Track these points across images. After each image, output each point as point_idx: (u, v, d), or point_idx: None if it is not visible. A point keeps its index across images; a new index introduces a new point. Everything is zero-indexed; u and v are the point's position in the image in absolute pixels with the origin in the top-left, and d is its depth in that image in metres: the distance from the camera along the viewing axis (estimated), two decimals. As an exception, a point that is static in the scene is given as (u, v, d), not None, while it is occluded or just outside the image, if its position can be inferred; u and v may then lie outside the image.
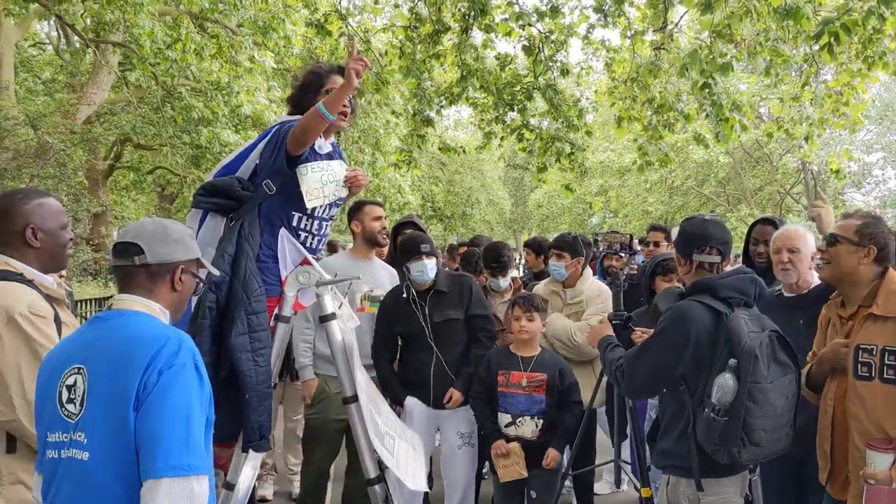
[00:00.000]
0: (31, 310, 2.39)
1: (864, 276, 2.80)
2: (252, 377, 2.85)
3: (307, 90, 3.20)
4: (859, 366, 2.69)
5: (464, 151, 11.79)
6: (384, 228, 4.39)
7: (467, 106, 10.25)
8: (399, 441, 3.04)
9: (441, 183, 30.67)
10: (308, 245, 3.20)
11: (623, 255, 4.21)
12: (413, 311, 4.14)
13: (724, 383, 2.58)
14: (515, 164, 32.10)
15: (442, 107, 9.78)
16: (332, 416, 4.18)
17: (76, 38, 17.46)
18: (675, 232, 3.35)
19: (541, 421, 3.92)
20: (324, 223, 3.24)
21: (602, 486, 5.39)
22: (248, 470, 2.44)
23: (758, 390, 2.58)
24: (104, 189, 19.30)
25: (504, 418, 3.96)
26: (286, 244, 3.07)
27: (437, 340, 4.13)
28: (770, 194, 30.19)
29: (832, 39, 5.51)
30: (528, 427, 3.92)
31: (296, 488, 5.29)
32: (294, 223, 3.14)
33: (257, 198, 3.03)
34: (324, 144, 3.19)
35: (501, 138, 10.27)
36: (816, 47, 6.37)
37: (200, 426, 1.88)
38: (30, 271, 2.52)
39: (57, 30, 20.85)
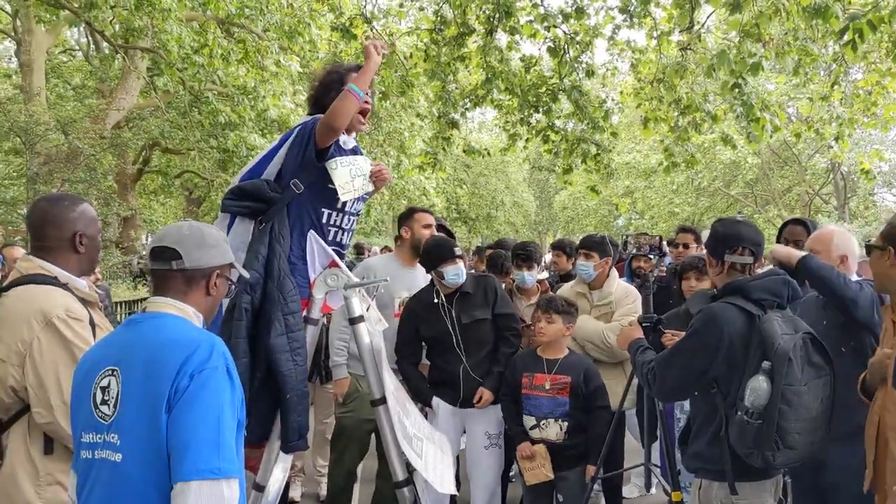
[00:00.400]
0: (69, 313, 2.42)
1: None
2: (292, 377, 2.87)
3: (329, 89, 3.20)
4: None
5: (488, 154, 11.78)
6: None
7: (492, 108, 10.25)
8: (427, 443, 3.04)
9: (466, 185, 30.65)
10: (337, 240, 3.22)
11: (652, 256, 4.18)
12: (440, 315, 4.12)
13: (758, 386, 2.54)
14: (540, 166, 32.03)
15: (467, 109, 9.79)
16: (363, 416, 4.20)
17: (105, 44, 17.70)
18: (705, 234, 3.31)
19: (566, 423, 3.89)
20: (352, 217, 3.27)
21: (630, 490, 5.35)
22: (278, 472, 2.46)
23: (792, 393, 2.54)
24: (133, 193, 19.54)
25: (528, 421, 3.95)
26: (315, 246, 3.09)
27: (464, 343, 4.11)
28: (799, 195, 29.82)
29: (856, 36, 5.43)
30: (553, 430, 3.89)
31: (323, 490, 5.32)
32: (324, 219, 3.16)
33: (286, 198, 3.05)
34: (348, 140, 3.22)
35: (526, 140, 10.26)
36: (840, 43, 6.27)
37: (231, 429, 1.88)
38: (64, 275, 2.54)
39: (86, 36, 21.17)
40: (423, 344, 4.33)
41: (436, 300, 4.13)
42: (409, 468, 2.88)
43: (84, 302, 2.55)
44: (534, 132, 9.96)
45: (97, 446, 1.95)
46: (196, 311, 2.08)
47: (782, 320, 2.69)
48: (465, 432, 4.32)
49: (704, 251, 3.10)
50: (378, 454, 4.40)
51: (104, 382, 1.96)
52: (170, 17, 10.66)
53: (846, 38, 5.51)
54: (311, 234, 3.09)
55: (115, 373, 1.96)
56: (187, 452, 1.80)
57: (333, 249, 3.14)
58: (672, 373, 2.84)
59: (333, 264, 3.04)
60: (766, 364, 2.57)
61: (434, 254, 4.16)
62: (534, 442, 3.91)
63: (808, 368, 2.61)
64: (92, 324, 2.51)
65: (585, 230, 33.01)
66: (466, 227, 32.59)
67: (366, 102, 3.09)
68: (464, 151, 11.10)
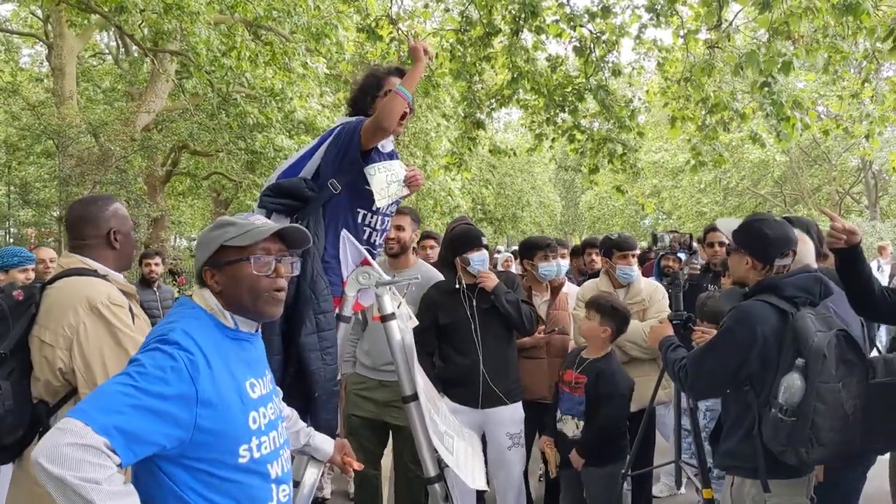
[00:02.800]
0: (111, 299, 2.56)
1: None
2: (321, 376, 2.90)
3: (366, 92, 3.26)
4: None
5: (514, 154, 11.76)
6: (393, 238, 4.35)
7: (518, 108, 10.24)
8: (458, 440, 3.06)
9: (491, 185, 30.63)
10: (371, 240, 3.26)
11: (681, 255, 4.17)
12: (460, 301, 4.16)
13: (792, 383, 2.54)
14: (567, 166, 31.92)
15: (493, 109, 9.79)
16: (362, 415, 4.24)
17: (135, 47, 17.94)
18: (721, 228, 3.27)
19: (580, 422, 3.96)
20: (385, 219, 3.31)
21: (660, 489, 5.33)
22: (312, 468, 2.49)
23: (826, 390, 2.54)
24: (162, 194, 19.76)
25: (558, 414, 4.06)
26: (347, 245, 3.12)
27: (482, 332, 4.13)
28: (829, 194, 29.45)
29: (900, 38, 5.37)
30: (570, 427, 3.97)
31: (352, 487, 5.36)
32: (359, 220, 3.20)
33: (322, 197, 3.08)
34: (386, 143, 3.25)
35: (553, 140, 10.23)
36: (881, 45, 6.18)
37: (136, 404, 1.72)
38: (103, 268, 2.70)
39: (116, 40, 21.45)
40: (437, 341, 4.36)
41: (457, 286, 4.17)
42: (441, 464, 2.91)
43: (123, 293, 2.68)
44: (560, 132, 9.93)
45: None
46: (233, 315, 2.05)
47: (815, 317, 2.69)
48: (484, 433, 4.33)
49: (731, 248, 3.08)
50: (395, 451, 4.43)
51: None
52: (198, 21, 10.78)
53: (893, 39, 5.43)
54: (344, 233, 3.12)
55: None
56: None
57: (366, 249, 3.17)
58: (705, 370, 2.84)
59: (365, 262, 3.07)
60: (799, 361, 2.56)
61: (461, 240, 4.23)
62: (558, 434, 4.00)
63: (841, 366, 2.60)
64: (131, 312, 2.64)
65: (612, 230, 32.81)
66: (492, 228, 32.57)
67: (408, 106, 3.11)
68: (490, 152, 11.11)
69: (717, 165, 9.70)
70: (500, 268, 9.39)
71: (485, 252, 4.21)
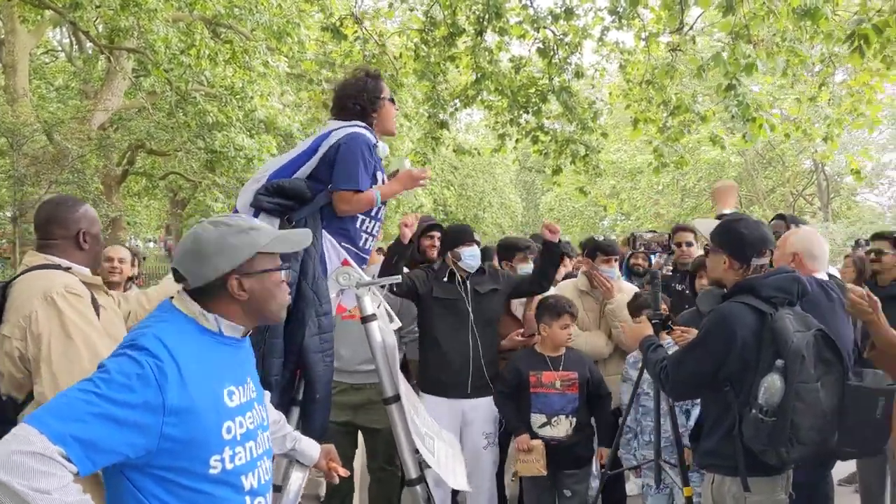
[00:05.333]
0: (67, 289, 2.52)
1: None
2: (323, 377, 2.90)
3: (363, 93, 3.21)
4: None
5: (478, 153, 11.79)
6: None
7: (482, 109, 10.25)
8: (438, 441, 3.04)
9: (453, 186, 30.67)
10: (366, 246, 3.24)
11: (652, 255, 4.20)
12: (456, 289, 4.22)
13: (772, 384, 2.57)
14: (529, 167, 32.07)
15: (456, 109, 9.79)
16: (333, 419, 4.20)
17: (89, 44, 17.58)
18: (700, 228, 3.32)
19: (574, 419, 3.97)
20: (378, 224, 3.29)
21: (630, 487, 5.36)
22: (298, 473, 2.44)
23: (805, 390, 2.57)
24: (118, 195, 19.39)
25: (538, 419, 3.99)
26: (328, 245, 3.07)
27: (476, 320, 4.17)
28: (783, 195, 30.06)
29: (861, 42, 5.47)
30: (564, 426, 3.96)
31: (323, 490, 5.30)
32: (358, 224, 3.18)
33: (320, 200, 3.04)
34: (382, 147, 3.24)
35: (516, 140, 10.26)
36: (840, 49, 6.29)
37: (96, 412, 1.66)
38: (66, 263, 2.68)
39: (69, 37, 21.00)
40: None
41: (446, 278, 4.23)
42: (422, 466, 2.88)
43: (88, 285, 2.64)
44: (523, 133, 9.97)
45: None
46: (210, 315, 1.95)
47: (793, 318, 2.72)
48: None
49: (709, 248, 3.11)
50: (368, 454, 4.39)
51: None
52: (156, 18, 10.60)
53: (853, 44, 5.54)
54: (324, 233, 3.07)
55: None
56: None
57: (357, 255, 3.15)
58: (685, 371, 2.86)
59: (345, 263, 3.02)
60: (779, 362, 2.59)
61: (454, 235, 4.30)
62: (542, 440, 3.94)
63: (819, 365, 2.64)
64: (95, 305, 2.60)
65: (572, 231, 33.12)
66: (453, 229, 32.47)
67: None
68: (454, 151, 11.11)
69: (678, 167, 9.83)
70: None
71: (476, 247, 4.26)
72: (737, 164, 27.85)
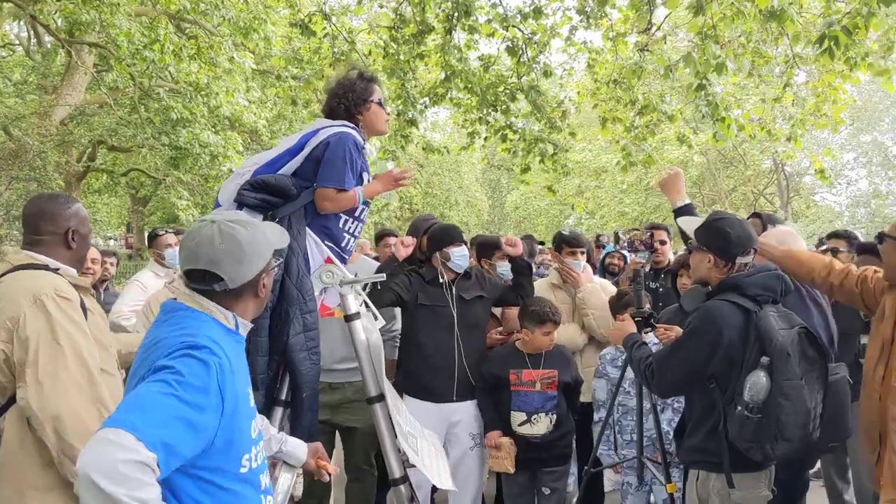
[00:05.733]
0: (57, 292, 2.45)
1: None
2: (310, 376, 2.85)
3: (351, 93, 3.20)
4: None
5: (447, 151, 11.77)
6: None
7: (451, 107, 10.23)
8: (421, 440, 3.02)
9: (419, 185, 30.61)
10: (348, 247, 3.21)
11: (633, 253, 4.22)
12: (442, 293, 4.19)
13: (757, 381, 2.60)
14: (496, 165, 32.14)
15: (426, 107, 9.76)
16: None
17: (48, 38, 17.21)
18: (684, 227, 3.34)
19: (554, 417, 3.99)
20: (360, 225, 3.27)
21: (606, 484, 5.39)
22: (286, 474, 2.40)
23: (790, 387, 2.60)
24: (78, 192, 19.02)
25: (518, 416, 4.01)
26: (310, 243, 3.03)
27: (461, 324, 4.16)
28: (744, 194, 30.51)
29: (832, 43, 5.57)
30: (543, 424, 3.98)
31: (300, 490, 5.25)
32: (341, 224, 3.15)
33: (304, 198, 3.01)
34: (369, 149, 3.24)
35: (485, 138, 10.27)
36: (804, 50, 6.39)
37: (180, 416, 1.65)
38: (54, 263, 2.61)
39: (28, 30, 20.52)
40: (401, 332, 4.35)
41: (440, 279, 4.20)
42: (406, 465, 2.86)
43: (76, 287, 2.58)
44: (492, 131, 9.97)
45: None
46: (229, 313, 1.97)
47: (777, 315, 2.76)
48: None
49: (692, 247, 3.13)
50: (345, 453, 4.36)
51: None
52: (118, 12, 10.42)
53: (824, 45, 5.64)
54: (308, 231, 3.03)
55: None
56: (112, 413, 1.64)
57: (339, 255, 3.12)
58: (672, 370, 2.89)
59: (328, 261, 2.99)
60: (764, 359, 2.62)
61: (442, 235, 4.28)
62: (521, 437, 3.97)
63: (803, 361, 2.67)
64: (83, 308, 2.54)
65: (537, 230, 33.31)
66: (420, 227, 32.43)
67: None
68: (423, 149, 11.07)
69: (646, 166, 9.92)
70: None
71: (465, 247, 4.26)
72: (699, 163, 28.21)
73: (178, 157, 13.87)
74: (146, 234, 10.17)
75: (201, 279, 1.93)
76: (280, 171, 3.01)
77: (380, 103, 3.28)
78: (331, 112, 3.21)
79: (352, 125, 3.15)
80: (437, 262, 4.24)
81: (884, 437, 2.79)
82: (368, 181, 3.19)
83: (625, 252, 4.90)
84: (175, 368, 1.69)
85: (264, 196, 2.91)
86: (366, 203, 3.21)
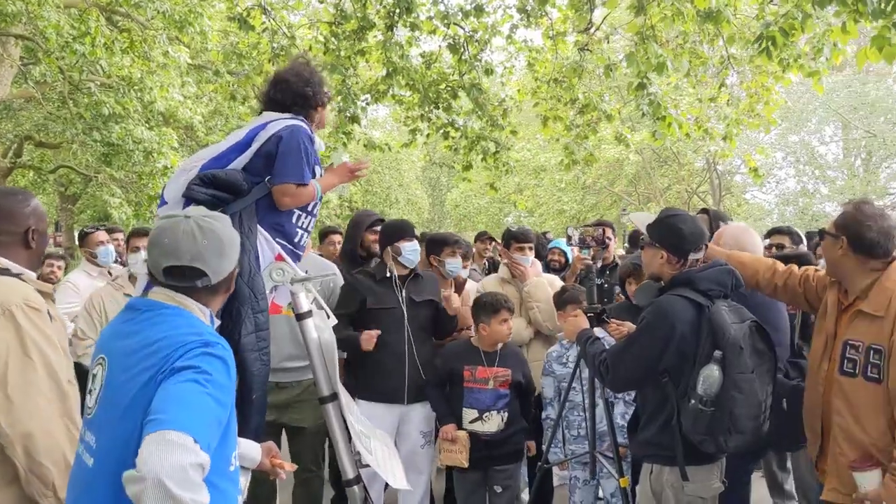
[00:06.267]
0: (27, 302, 2.33)
1: (848, 267, 2.81)
2: (260, 377, 2.78)
3: (307, 87, 3.13)
4: (845, 361, 2.75)
5: (389, 149, 11.71)
6: None
7: (392, 104, 10.18)
8: (374, 440, 2.98)
9: (359, 182, 30.37)
10: (301, 242, 3.14)
11: (584, 249, 4.24)
12: (391, 291, 4.14)
13: (710, 374, 2.64)
14: (437, 162, 32.17)
15: (367, 104, 9.69)
16: None
17: (-29, 29, 16.53)
18: (636, 222, 3.38)
19: (506, 414, 3.98)
20: (313, 220, 3.20)
21: (554, 480, 5.42)
22: (241, 477, 2.33)
23: (743, 380, 2.65)
24: (3, 189, 18.31)
25: (470, 413, 3.99)
26: (261, 240, 2.95)
27: (411, 323, 4.13)
28: (678, 193, 31.17)
29: (769, 44, 5.72)
30: (495, 421, 3.97)
31: (244, 493, 5.15)
32: (294, 220, 3.09)
33: (256, 194, 2.93)
34: (318, 142, 3.15)
35: (427, 136, 10.25)
36: (739, 51, 6.54)
37: (218, 423, 1.68)
38: (16, 267, 2.46)
39: (-52, 21, 19.69)
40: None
41: (388, 275, 4.15)
42: (359, 466, 2.82)
43: (41, 294, 2.45)
44: (434, 128, 9.96)
45: (82, 442, 1.80)
46: (206, 309, 1.94)
47: (729, 310, 2.80)
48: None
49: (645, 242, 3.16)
50: (292, 453, 4.29)
51: (95, 370, 1.81)
52: (47, 3, 10.06)
53: (761, 45, 5.78)
54: (259, 228, 2.95)
55: (103, 362, 1.80)
56: (156, 414, 1.58)
57: (292, 252, 3.05)
58: (625, 365, 2.91)
59: (279, 258, 2.92)
60: (717, 353, 2.66)
61: (393, 229, 4.24)
62: (472, 433, 3.95)
63: (754, 355, 2.72)
64: (49, 314, 2.42)
65: (477, 228, 33.43)
66: (359, 225, 32.24)
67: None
68: (364, 146, 10.99)
69: (587, 164, 10.04)
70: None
71: (416, 242, 4.23)
72: (635, 162, 28.71)
73: (110, 154, 13.45)
74: (76, 233, 9.83)
75: (182, 275, 1.87)
76: (229, 167, 2.93)
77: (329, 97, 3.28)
78: (278, 104, 3.11)
79: (300, 118, 3.08)
80: (388, 256, 4.19)
81: (826, 430, 2.86)
82: (321, 175, 3.14)
83: (573, 248, 4.94)
84: (201, 368, 1.67)
85: (214, 192, 2.81)
86: (319, 197, 3.15)
